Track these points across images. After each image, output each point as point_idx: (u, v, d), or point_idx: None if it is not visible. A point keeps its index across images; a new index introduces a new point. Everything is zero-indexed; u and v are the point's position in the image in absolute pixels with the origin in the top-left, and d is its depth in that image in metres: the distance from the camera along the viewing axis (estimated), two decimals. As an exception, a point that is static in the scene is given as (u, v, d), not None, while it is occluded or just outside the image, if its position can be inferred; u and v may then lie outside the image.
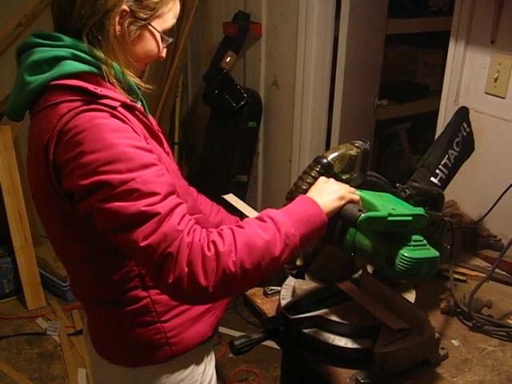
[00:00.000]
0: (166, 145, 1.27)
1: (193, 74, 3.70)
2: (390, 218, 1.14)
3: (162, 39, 1.19)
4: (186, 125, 3.80)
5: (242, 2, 2.93)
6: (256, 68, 2.95)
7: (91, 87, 1.07)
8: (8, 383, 2.63)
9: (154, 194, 1.02)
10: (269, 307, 1.49)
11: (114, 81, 1.13)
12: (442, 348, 1.31)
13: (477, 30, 1.85)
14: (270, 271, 1.09)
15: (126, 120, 1.08)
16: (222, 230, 1.07)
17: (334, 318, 1.29)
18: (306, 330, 1.29)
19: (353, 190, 1.23)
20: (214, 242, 1.03)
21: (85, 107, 1.05)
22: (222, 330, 2.90)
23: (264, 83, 2.94)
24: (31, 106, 1.13)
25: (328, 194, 1.18)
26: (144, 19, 1.14)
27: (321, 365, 1.28)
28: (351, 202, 1.19)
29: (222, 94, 2.89)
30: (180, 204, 1.06)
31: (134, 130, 1.09)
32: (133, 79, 1.18)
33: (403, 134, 3.70)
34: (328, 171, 1.26)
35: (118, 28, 1.11)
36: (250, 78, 3.04)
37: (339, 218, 1.20)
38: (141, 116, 1.15)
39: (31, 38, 1.14)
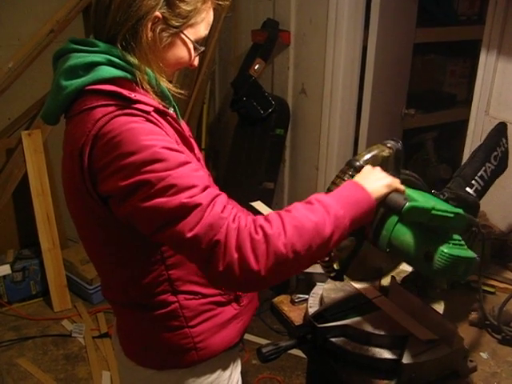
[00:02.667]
0: (196, 150, 1.28)
1: (220, 80, 3.73)
2: (433, 212, 1.13)
3: (195, 48, 1.21)
4: (213, 131, 3.82)
5: (270, 10, 2.95)
6: (284, 75, 2.96)
7: (125, 92, 1.09)
8: (34, 383, 2.66)
9: (193, 186, 1.02)
10: (296, 315, 1.50)
11: (148, 86, 1.14)
12: (471, 360, 1.29)
13: (509, 39, 1.84)
14: (321, 253, 1.09)
15: (159, 124, 1.10)
16: (268, 215, 1.06)
17: (362, 327, 1.29)
18: (333, 339, 1.29)
19: (398, 180, 1.21)
20: (261, 226, 1.02)
21: (119, 112, 1.06)
22: (245, 336, 2.88)
23: (292, 91, 2.94)
24: (66, 111, 1.16)
25: (375, 180, 1.17)
26: (176, 27, 1.15)
27: (347, 374, 1.27)
28: (396, 191, 1.18)
29: (249, 101, 2.90)
30: (220, 194, 1.07)
31: (167, 134, 1.10)
32: (165, 84, 1.19)
33: (430, 143, 3.66)
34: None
35: (150, 34, 1.13)
36: (278, 86, 3.05)
37: (383, 207, 1.19)
38: (173, 122, 1.17)
39: (67, 44, 1.17)
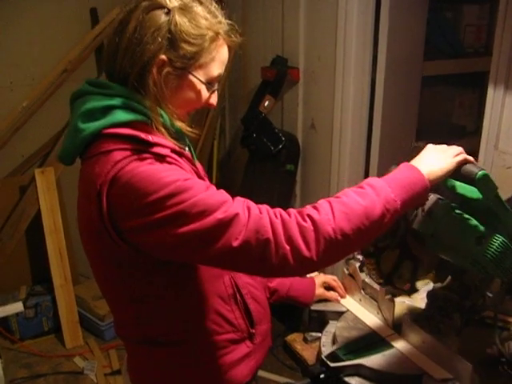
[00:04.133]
0: None
1: (230, 117, 3.76)
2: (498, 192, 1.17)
3: (207, 88, 1.20)
4: (224, 167, 3.84)
5: (279, 47, 2.99)
6: (294, 111, 2.99)
7: (142, 135, 1.10)
8: (46, 422, 2.65)
9: (223, 202, 1.05)
10: (309, 354, 1.49)
11: (162, 129, 1.15)
12: (487, 399, 1.28)
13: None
14: (373, 235, 1.11)
15: (177, 164, 1.12)
16: (317, 203, 1.10)
17: (376, 366, 1.28)
18: (346, 378, 1.29)
19: (460, 151, 1.22)
20: (309, 215, 1.05)
21: (137, 155, 1.08)
22: (258, 373, 2.86)
23: (302, 126, 2.97)
24: (83, 152, 1.17)
25: (436, 159, 1.18)
26: (183, 68, 1.15)
27: (362, 414, 1.26)
28: (467, 162, 1.19)
29: (260, 137, 2.92)
30: (247, 200, 1.09)
31: (185, 171, 1.12)
32: (179, 124, 1.20)
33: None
34: None
35: (157, 77, 1.13)
36: (287, 121, 3.07)
37: (456, 177, 1.21)
38: (188, 162, 1.19)
39: (84, 86, 1.19)
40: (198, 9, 1.15)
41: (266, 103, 2.92)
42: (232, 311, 1.28)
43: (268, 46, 3.09)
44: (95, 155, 1.12)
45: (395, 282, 1.41)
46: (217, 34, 1.17)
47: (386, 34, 2.43)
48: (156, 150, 1.10)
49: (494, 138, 1.95)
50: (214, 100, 1.25)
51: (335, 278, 1.68)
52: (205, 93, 1.21)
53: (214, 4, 1.20)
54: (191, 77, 1.17)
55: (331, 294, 1.63)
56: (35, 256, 3.41)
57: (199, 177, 1.20)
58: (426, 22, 2.62)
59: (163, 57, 1.12)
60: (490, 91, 1.94)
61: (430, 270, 1.48)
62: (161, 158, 1.09)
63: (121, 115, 1.13)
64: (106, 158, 1.10)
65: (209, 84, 1.20)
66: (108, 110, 1.14)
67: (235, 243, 1.02)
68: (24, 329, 3.24)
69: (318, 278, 1.67)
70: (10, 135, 3.24)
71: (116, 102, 1.14)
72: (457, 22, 3.29)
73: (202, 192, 1.05)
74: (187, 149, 1.28)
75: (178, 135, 1.21)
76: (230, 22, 1.21)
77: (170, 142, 1.15)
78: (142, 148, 1.09)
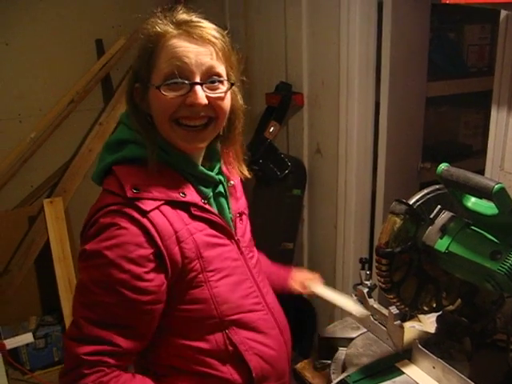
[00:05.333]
0: (240, 232, 1.33)
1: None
2: None
3: (163, 85, 1.13)
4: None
5: (283, 73, 3.01)
6: (299, 136, 3.00)
7: (128, 187, 1.11)
8: None
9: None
10: (319, 381, 1.48)
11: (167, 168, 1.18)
12: (501, 425, 1.26)
13: (519, 94, 1.85)
14: None
15: (151, 226, 1.10)
16: None
17: (386, 393, 1.27)
18: (357, 407, 1.27)
19: None
20: None
21: (117, 208, 1.10)
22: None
23: (307, 151, 2.98)
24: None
25: None
26: (147, 81, 1.16)
27: None
28: None
29: (266, 163, 2.93)
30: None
31: (162, 234, 1.11)
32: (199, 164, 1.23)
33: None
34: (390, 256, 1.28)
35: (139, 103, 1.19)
36: (293, 146, 3.08)
37: (471, 192, 1.20)
38: (198, 212, 1.18)
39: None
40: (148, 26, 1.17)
41: (272, 129, 2.93)
42: (224, 366, 1.24)
43: (272, 73, 3.11)
44: (103, 188, 1.18)
45: (420, 307, 1.40)
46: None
47: (388, 57, 2.44)
48: (139, 205, 1.11)
49: (499, 158, 1.94)
50: (197, 97, 1.14)
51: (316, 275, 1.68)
52: (166, 93, 1.14)
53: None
54: (150, 86, 1.16)
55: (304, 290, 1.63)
56: (45, 286, 3.42)
57: (216, 225, 1.21)
58: (428, 43, 2.63)
59: (137, 85, 1.19)
60: (494, 112, 1.94)
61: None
62: (141, 215, 1.10)
63: (128, 151, 1.16)
64: (102, 197, 1.16)
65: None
66: (122, 144, 1.17)
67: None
68: (34, 360, 3.22)
69: (298, 275, 1.68)
70: (18, 166, 3.27)
71: (129, 135, 1.18)
72: (459, 42, 3.31)
73: (119, 313, 1.10)
74: (211, 193, 1.27)
75: (198, 172, 1.22)
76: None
77: (167, 190, 1.15)
78: (125, 202, 1.11)
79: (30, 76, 3.24)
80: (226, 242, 1.25)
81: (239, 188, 1.45)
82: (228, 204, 1.33)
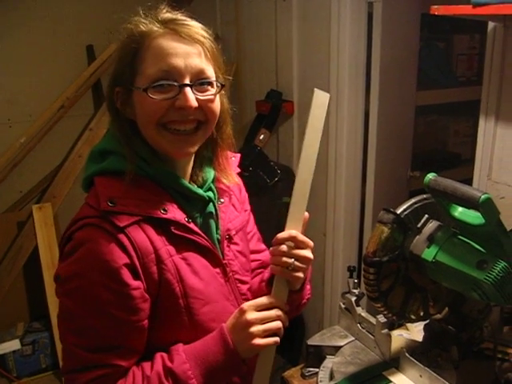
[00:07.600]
0: (226, 256, 1.24)
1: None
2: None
3: (150, 87, 1.07)
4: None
5: (274, 81, 3.02)
6: (289, 144, 3.00)
7: (103, 199, 1.05)
8: None
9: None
10: (306, 390, 1.48)
11: (147, 181, 1.12)
12: (487, 434, 1.27)
13: (506, 105, 1.87)
14: None
15: (129, 242, 1.05)
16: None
17: (374, 402, 1.27)
18: (344, 415, 1.27)
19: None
20: None
21: (94, 221, 1.05)
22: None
23: (297, 159, 2.96)
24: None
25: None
26: (131, 84, 1.10)
27: None
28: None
29: (256, 170, 2.92)
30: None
31: (141, 252, 1.05)
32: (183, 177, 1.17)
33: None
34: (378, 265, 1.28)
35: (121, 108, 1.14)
36: (283, 154, 3.09)
37: (457, 202, 1.21)
38: (180, 232, 1.11)
39: None
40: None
41: (261, 137, 2.94)
42: None
43: (263, 80, 3.12)
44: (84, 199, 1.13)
45: (408, 316, 1.40)
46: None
47: (378, 66, 2.46)
48: (115, 221, 1.04)
49: (487, 168, 1.96)
50: (186, 99, 1.08)
51: None
52: (153, 96, 1.07)
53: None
54: (134, 89, 1.11)
55: None
56: (33, 292, 3.39)
57: (199, 246, 1.14)
58: (418, 53, 2.66)
59: (118, 89, 1.14)
60: (482, 122, 1.96)
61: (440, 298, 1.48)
62: (117, 231, 1.04)
63: (110, 163, 1.11)
64: (82, 208, 1.11)
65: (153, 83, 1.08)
66: (105, 154, 1.13)
67: None
68: (21, 366, 3.19)
69: None
70: (8, 171, 3.25)
71: (111, 145, 1.13)
72: (449, 52, 3.34)
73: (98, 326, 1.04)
74: (198, 213, 1.19)
75: (185, 189, 1.16)
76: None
77: (145, 207, 1.08)
78: (102, 215, 1.05)
79: (20, 81, 3.23)
80: (211, 266, 1.18)
81: (242, 200, 1.42)
82: (217, 224, 1.25)
